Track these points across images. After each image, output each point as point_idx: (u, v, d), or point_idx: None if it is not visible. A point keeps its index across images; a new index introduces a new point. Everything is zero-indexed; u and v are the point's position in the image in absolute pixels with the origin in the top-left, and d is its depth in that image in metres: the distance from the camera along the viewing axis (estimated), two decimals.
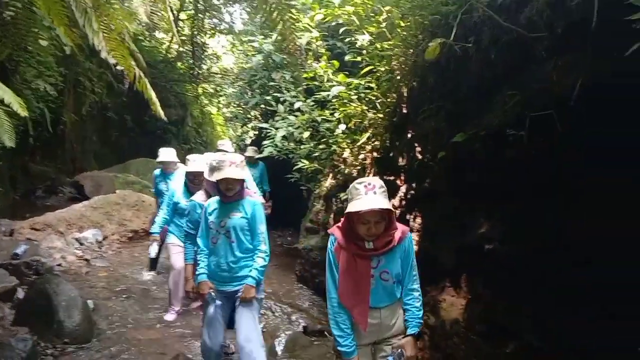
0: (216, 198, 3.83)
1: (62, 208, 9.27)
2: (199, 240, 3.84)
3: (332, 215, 6.42)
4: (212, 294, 3.73)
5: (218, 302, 3.73)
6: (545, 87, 3.12)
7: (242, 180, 3.76)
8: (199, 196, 4.42)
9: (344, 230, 2.80)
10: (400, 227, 2.83)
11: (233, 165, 3.64)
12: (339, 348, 2.77)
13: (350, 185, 2.74)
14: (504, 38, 3.56)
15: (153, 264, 6.57)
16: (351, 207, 2.64)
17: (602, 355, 2.76)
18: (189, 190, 5.21)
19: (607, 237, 2.74)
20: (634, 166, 2.62)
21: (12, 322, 4.52)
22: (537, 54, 3.28)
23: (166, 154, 6.65)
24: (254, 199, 3.88)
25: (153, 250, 5.65)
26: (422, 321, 2.88)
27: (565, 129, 2.90)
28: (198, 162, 5.10)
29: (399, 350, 2.79)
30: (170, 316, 5.41)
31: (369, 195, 2.62)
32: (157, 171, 6.88)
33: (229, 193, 3.70)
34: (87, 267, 7.14)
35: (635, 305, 2.61)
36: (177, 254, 5.28)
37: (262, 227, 3.77)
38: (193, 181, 5.18)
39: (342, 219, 2.83)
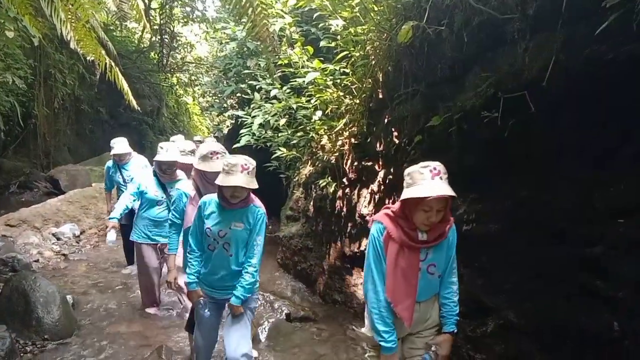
0: (213, 198, 3.37)
1: (37, 203, 9.11)
2: (190, 239, 3.46)
3: (311, 203, 6.43)
4: (202, 301, 3.47)
5: (208, 312, 3.48)
6: (517, 68, 3.16)
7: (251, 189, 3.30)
8: (186, 186, 4.04)
9: (395, 219, 2.61)
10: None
11: (245, 171, 3.17)
12: (383, 344, 2.62)
13: (411, 169, 2.54)
14: (476, 20, 3.58)
15: (129, 257, 6.48)
16: (415, 192, 2.45)
17: (580, 331, 2.83)
18: (160, 181, 5.01)
19: (580, 214, 2.80)
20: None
21: None
22: (509, 35, 3.30)
23: (120, 145, 6.45)
24: (259, 205, 3.41)
25: (111, 236, 5.13)
26: (458, 318, 2.77)
27: (537, 110, 2.94)
28: (171, 150, 4.85)
29: (434, 348, 2.72)
30: (152, 310, 5.33)
31: (435, 181, 2.43)
32: (109, 163, 6.71)
33: (233, 200, 3.26)
34: (65, 262, 7.05)
35: (610, 282, 2.68)
36: (146, 255, 5.10)
37: (259, 239, 3.38)
38: (165, 171, 4.93)
39: (393, 205, 2.69)
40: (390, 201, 4.74)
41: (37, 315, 4.40)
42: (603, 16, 2.49)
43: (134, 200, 5.15)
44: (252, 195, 3.39)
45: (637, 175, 2.53)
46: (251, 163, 3.22)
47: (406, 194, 2.50)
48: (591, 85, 2.69)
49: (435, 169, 2.46)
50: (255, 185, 3.22)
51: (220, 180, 3.18)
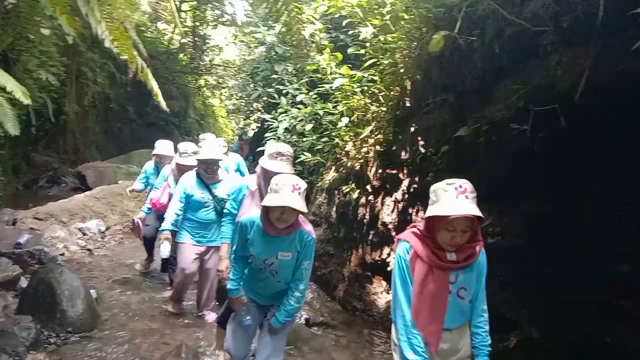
0: (256, 222, 3.06)
1: (64, 198, 9.28)
2: (238, 253, 3.23)
3: (334, 208, 6.43)
4: (245, 309, 3.30)
5: (249, 319, 3.31)
6: (549, 81, 3.13)
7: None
8: (246, 181, 3.96)
9: (421, 237, 2.48)
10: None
11: (296, 191, 2.85)
12: None
13: (436, 186, 2.42)
14: (508, 31, 3.56)
15: (165, 264, 6.24)
16: (438, 210, 2.32)
17: (602, 349, 2.78)
18: (204, 182, 4.77)
19: (606, 231, 2.76)
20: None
21: (16, 311, 4.54)
22: (541, 48, 3.27)
23: (164, 146, 6.30)
24: (308, 230, 3.11)
25: (165, 249, 4.83)
26: (491, 349, 2.59)
27: (568, 124, 2.90)
28: (209, 148, 4.67)
29: None
30: (175, 307, 5.22)
31: (460, 199, 2.29)
32: (150, 164, 6.50)
33: (280, 225, 2.94)
34: (90, 257, 7.16)
35: (634, 300, 2.62)
36: (187, 256, 4.85)
37: (308, 264, 3.14)
38: (207, 170, 4.71)
39: (419, 224, 2.56)
40: (414, 210, 4.72)
41: (62, 308, 4.48)
42: (638, 31, 2.45)
43: (182, 208, 4.81)
44: (301, 217, 3.07)
45: None
46: (302, 184, 2.91)
47: (430, 211, 2.39)
48: (624, 101, 2.65)
49: (461, 186, 2.32)
50: (305, 209, 2.89)
51: (267, 201, 2.88)
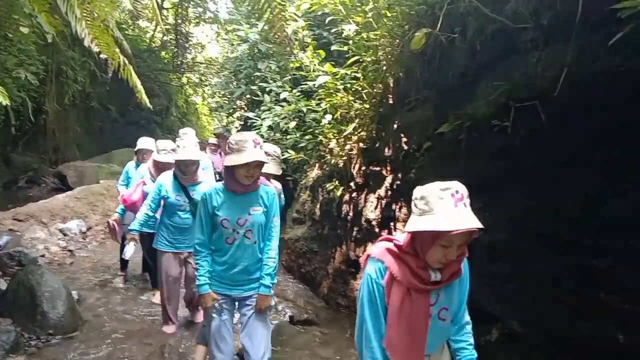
0: (216, 188, 3.14)
1: (45, 198, 9.18)
2: (197, 239, 3.18)
3: (318, 206, 6.44)
4: (217, 305, 3.21)
5: (224, 316, 3.23)
6: (529, 78, 3.16)
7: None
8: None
9: (399, 255, 2.05)
10: None
11: (258, 146, 2.96)
12: None
13: (426, 191, 1.93)
14: (489, 29, 3.59)
15: (124, 264, 6.14)
16: (435, 224, 1.86)
17: (584, 342, 2.82)
18: (181, 184, 4.46)
19: (588, 226, 2.79)
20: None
21: None
22: (522, 45, 3.31)
23: (146, 141, 6.09)
24: (268, 186, 3.27)
25: (129, 250, 4.60)
26: None
27: (548, 120, 2.94)
28: (188, 147, 4.32)
29: None
30: (169, 328, 4.78)
31: (459, 209, 1.87)
32: (132, 163, 6.19)
33: (248, 181, 3.04)
34: (71, 258, 7.09)
35: (616, 293, 2.66)
36: (167, 264, 4.59)
37: (276, 220, 3.22)
38: (185, 171, 4.39)
39: (396, 237, 2.13)
40: (397, 207, 4.74)
41: (43, 309, 4.42)
42: (617, 27, 2.49)
43: (155, 208, 4.53)
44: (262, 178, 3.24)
45: None
46: (260, 139, 3.03)
47: (421, 224, 1.91)
48: (603, 97, 2.69)
49: (457, 192, 1.89)
50: (267, 160, 3.04)
51: (231, 161, 2.95)
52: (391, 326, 2.04)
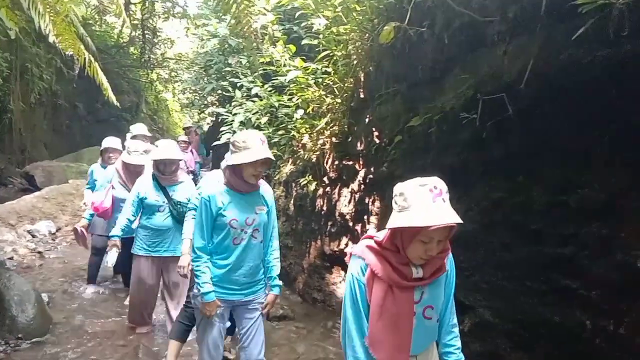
0: (220, 189, 3.03)
1: (12, 200, 8.95)
2: (197, 244, 3.04)
3: (292, 201, 6.43)
4: (220, 313, 3.11)
5: (222, 323, 3.15)
6: (497, 71, 3.20)
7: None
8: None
9: (380, 252, 2.03)
10: None
11: (265, 143, 2.92)
12: None
13: (404, 187, 1.94)
14: (457, 22, 3.63)
15: (94, 274, 5.81)
16: (412, 219, 1.85)
17: (553, 330, 2.89)
18: (159, 184, 4.33)
19: (554, 215, 2.86)
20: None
21: None
22: (489, 38, 3.35)
23: (113, 140, 5.86)
24: (265, 183, 3.26)
25: (111, 258, 4.42)
26: None
27: (515, 112, 2.99)
28: (169, 147, 4.26)
29: None
30: (143, 328, 4.68)
31: (437, 204, 1.86)
32: (97, 165, 5.93)
33: (254, 181, 3.01)
34: (41, 260, 6.93)
35: (582, 281, 2.73)
36: (142, 269, 4.40)
37: (274, 218, 3.26)
38: (164, 171, 4.29)
39: (377, 234, 2.10)
40: (370, 200, 4.76)
41: (11, 313, 4.32)
42: (580, 21, 2.54)
43: (136, 212, 4.39)
44: None
45: (610, 177, 2.58)
46: (264, 137, 2.98)
47: (399, 220, 1.91)
48: (567, 89, 2.74)
49: (436, 187, 1.88)
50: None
51: (239, 159, 2.87)
52: (373, 323, 2.01)
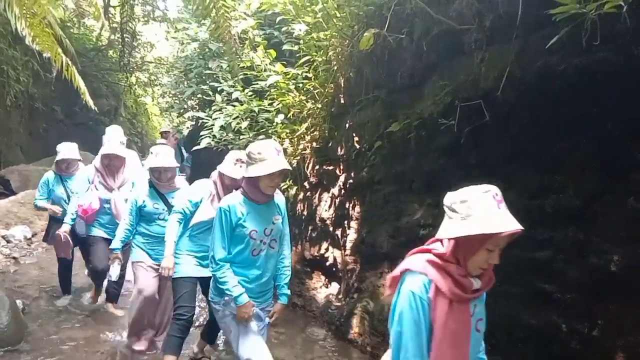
0: (238, 200, 2.96)
1: None
2: (221, 253, 2.94)
3: None
4: (254, 312, 3.03)
5: (262, 320, 3.10)
6: (474, 78, 3.26)
7: None
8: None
9: (442, 266, 1.89)
10: None
11: (281, 153, 2.87)
12: None
13: (465, 195, 1.83)
14: (435, 30, 3.68)
15: (67, 285, 5.65)
16: (484, 226, 1.76)
17: (529, 332, 2.93)
18: (158, 191, 4.23)
19: (531, 219, 2.91)
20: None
21: None
22: (466, 45, 3.41)
23: (70, 150, 5.48)
24: (278, 192, 3.22)
25: (115, 272, 4.36)
26: None
27: (492, 118, 3.04)
28: (165, 154, 4.15)
29: None
30: (140, 345, 4.33)
31: (502, 210, 1.79)
32: (50, 174, 5.65)
33: (272, 191, 2.98)
34: (16, 266, 6.79)
35: (558, 284, 2.79)
36: (144, 276, 4.18)
37: (288, 227, 3.25)
38: (160, 178, 4.19)
39: (433, 246, 1.96)
40: (351, 205, 4.78)
41: None
42: (554, 30, 2.60)
43: (134, 222, 4.24)
44: None
45: (584, 182, 2.64)
46: (280, 146, 2.93)
47: (468, 228, 1.79)
48: (542, 96, 2.81)
49: (497, 194, 1.81)
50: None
51: (255, 171, 2.81)
52: (436, 344, 1.85)
